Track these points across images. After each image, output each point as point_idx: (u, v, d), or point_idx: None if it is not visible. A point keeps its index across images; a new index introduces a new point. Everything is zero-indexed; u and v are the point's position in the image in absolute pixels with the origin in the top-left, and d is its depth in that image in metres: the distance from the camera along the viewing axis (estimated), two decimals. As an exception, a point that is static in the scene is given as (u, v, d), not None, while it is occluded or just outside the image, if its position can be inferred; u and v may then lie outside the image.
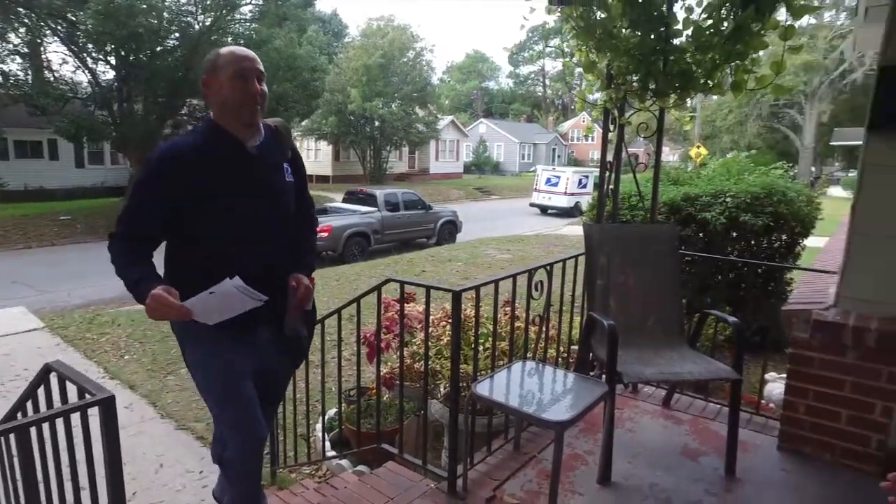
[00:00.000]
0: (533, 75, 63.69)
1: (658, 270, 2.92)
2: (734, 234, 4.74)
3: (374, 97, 27.32)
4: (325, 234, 11.28)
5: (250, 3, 18.17)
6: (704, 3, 2.68)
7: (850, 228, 2.37)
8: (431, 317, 3.25)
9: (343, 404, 3.56)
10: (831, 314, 2.40)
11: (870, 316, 2.32)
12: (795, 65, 26.11)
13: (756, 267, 4.33)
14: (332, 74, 28.54)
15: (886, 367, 2.29)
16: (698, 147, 19.15)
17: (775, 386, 3.65)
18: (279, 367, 2.07)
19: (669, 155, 36.07)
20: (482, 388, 2.19)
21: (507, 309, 3.33)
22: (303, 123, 25.79)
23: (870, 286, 2.35)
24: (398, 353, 2.85)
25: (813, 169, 32.89)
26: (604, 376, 2.48)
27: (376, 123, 28.21)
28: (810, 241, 4.98)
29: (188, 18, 17.09)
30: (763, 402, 3.55)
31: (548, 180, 22.08)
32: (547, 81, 62.36)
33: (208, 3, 16.67)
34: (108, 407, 1.18)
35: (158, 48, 16.36)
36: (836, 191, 25.04)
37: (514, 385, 2.29)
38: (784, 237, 4.76)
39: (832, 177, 32.85)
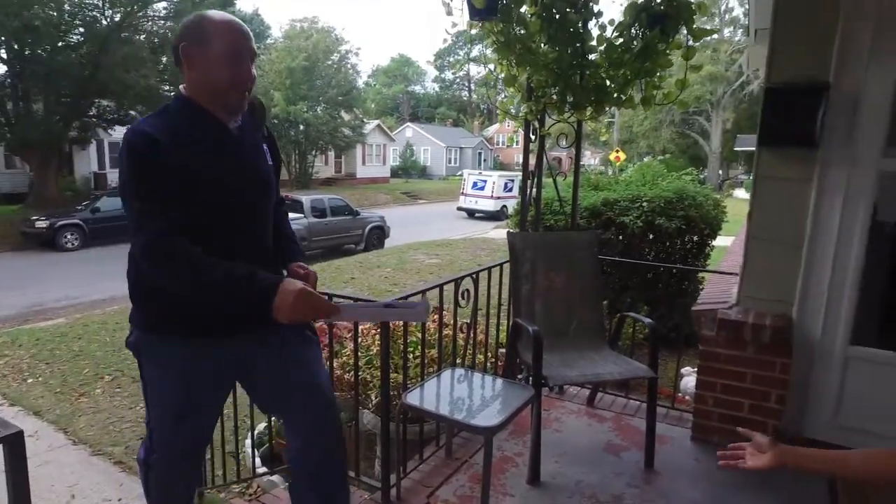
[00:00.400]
0: (458, 80, 64.47)
1: (579, 275, 3.06)
2: (651, 237, 5.03)
3: (298, 100, 26.71)
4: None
5: (164, -1, 17.34)
6: (616, 23, 2.84)
7: (747, 233, 2.59)
8: (361, 326, 3.24)
9: (272, 418, 3.46)
10: (734, 313, 2.61)
11: (765, 313, 2.55)
12: (701, 76, 28.00)
13: (670, 268, 4.62)
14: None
15: (779, 359, 2.53)
16: (617, 152, 20.20)
17: (690, 379, 3.90)
18: (293, 352, 1.76)
19: (591, 158, 37.61)
20: (412, 398, 2.21)
21: (435, 317, 3.37)
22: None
23: (764, 286, 2.59)
24: (328, 364, 2.82)
25: (720, 172, 35.28)
26: (530, 380, 2.57)
27: (301, 127, 27.57)
28: (719, 241, 5.38)
29: (94, 13, 16.05)
30: (679, 394, 3.79)
31: (474, 184, 22.40)
32: (472, 86, 63.27)
33: (116, -3, 15.76)
34: (14, 444, 1.09)
35: (60, 43, 15.24)
36: (740, 193, 26.96)
37: (444, 393, 2.33)
38: (695, 238, 5.11)
39: (737, 180, 35.30)
